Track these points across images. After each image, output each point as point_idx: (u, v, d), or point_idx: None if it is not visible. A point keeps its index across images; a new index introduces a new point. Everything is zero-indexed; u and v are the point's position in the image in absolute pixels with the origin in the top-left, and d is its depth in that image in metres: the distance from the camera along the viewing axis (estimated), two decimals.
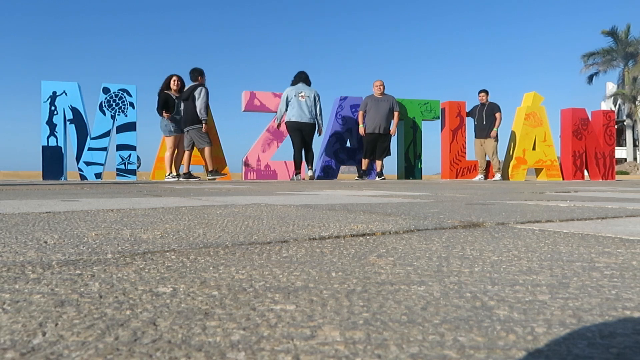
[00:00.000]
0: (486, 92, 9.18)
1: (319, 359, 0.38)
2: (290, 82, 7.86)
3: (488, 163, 9.34)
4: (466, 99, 9.58)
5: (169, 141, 7.14)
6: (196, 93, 6.89)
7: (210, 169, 7.25)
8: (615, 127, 11.79)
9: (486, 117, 9.04)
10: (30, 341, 0.41)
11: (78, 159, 7.59)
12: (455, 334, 0.43)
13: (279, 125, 7.90)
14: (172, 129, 7.09)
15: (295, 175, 7.68)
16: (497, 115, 8.96)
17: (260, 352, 0.39)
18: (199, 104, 6.85)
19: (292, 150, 7.74)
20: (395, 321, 0.46)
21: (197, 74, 7.11)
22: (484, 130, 9.08)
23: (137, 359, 0.37)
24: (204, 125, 6.92)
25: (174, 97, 7.12)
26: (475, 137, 9.31)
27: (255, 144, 8.45)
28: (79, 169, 7.59)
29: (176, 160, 7.32)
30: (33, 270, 0.69)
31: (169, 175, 7.23)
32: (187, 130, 6.99)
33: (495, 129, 8.95)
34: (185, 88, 7.10)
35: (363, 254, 0.84)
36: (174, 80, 7.13)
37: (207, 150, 7.09)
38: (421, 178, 9.33)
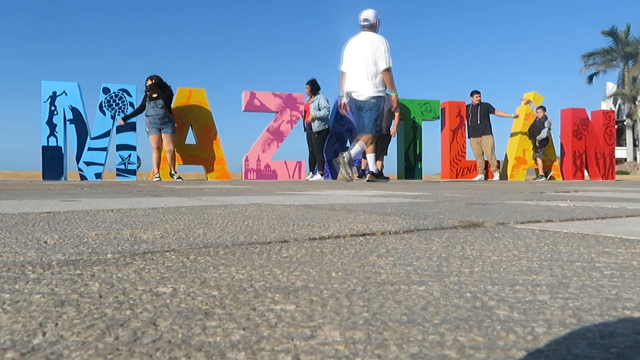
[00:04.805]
0: (479, 93, 9.34)
1: (319, 359, 0.38)
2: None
3: (487, 162, 9.37)
4: (466, 99, 9.63)
5: (151, 141, 7.29)
6: None
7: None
8: (615, 127, 11.80)
9: (481, 116, 9.17)
10: (30, 341, 0.41)
11: (78, 159, 7.58)
12: (455, 334, 0.43)
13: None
14: (147, 130, 7.35)
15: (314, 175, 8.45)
16: (498, 111, 9.26)
17: (260, 352, 0.39)
18: None
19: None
20: (395, 321, 0.46)
21: None
22: (480, 129, 9.17)
23: (137, 359, 0.37)
24: None
25: (147, 99, 7.25)
26: (471, 137, 9.39)
27: (255, 144, 8.45)
28: (79, 169, 7.59)
29: (161, 160, 7.42)
30: (33, 270, 0.69)
31: (156, 175, 7.31)
32: None
33: (513, 114, 9.27)
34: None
35: (363, 254, 0.84)
36: (148, 84, 7.33)
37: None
38: (421, 178, 9.33)
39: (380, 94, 5.99)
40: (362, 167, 8.57)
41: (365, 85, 5.95)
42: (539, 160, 9.65)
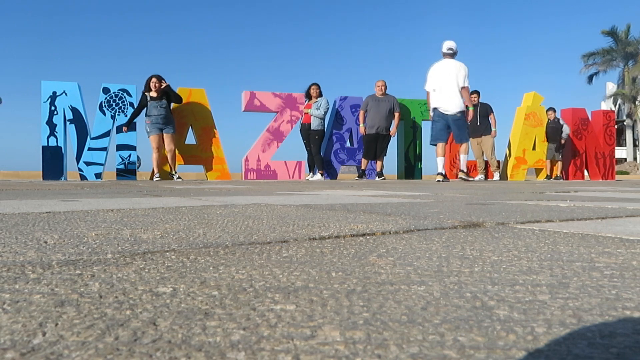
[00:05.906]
0: (478, 93, 9.31)
1: (319, 359, 0.38)
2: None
3: (487, 163, 9.36)
4: None
5: (151, 141, 7.29)
6: None
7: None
8: (615, 127, 11.80)
9: (480, 117, 9.14)
10: (30, 341, 0.41)
11: (78, 159, 7.58)
12: (455, 333, 0.43)
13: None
14: (147, 130, 7.33)
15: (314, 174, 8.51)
16: (492, 115, 9.17)
17: (260, 352, 0.39)
18: None
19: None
20: (395, 321, 0.46)
21: None
22: (479, 130, 9.15)
23: (137, 359, 0.37)
24: None
25: (148, 98, 7.26)
26: (470, 137, 9.38)
27: (255, 144, 8.45)
28: (79, 169, 7.58)
29: (161, 160, 7.43)
30: (33, 270, 0.69)
31: (156, 175, 7.33)
32: None
33: (494, 128, 9.12)
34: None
35: (363, 254, 0.84)
36: (154, 82, 7.32)
37: None
38: (421, 178, 9.33)
39: (464, 109, 7.44)
40: (362, 167, 8.57)
41: (454, 102, 7.31)
42: (549, 162, 9.68)
